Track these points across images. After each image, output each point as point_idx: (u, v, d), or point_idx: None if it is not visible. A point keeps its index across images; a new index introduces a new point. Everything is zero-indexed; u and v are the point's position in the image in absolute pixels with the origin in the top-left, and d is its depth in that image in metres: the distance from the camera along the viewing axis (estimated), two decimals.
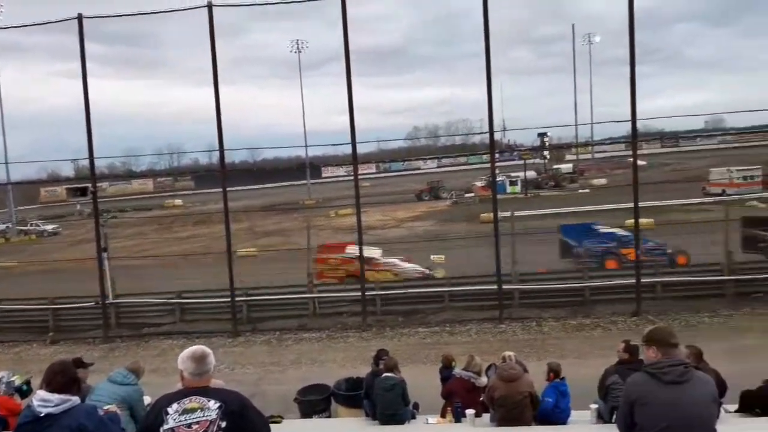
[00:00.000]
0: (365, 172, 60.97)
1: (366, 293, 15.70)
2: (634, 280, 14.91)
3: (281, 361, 13.60)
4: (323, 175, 69.03)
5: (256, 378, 12.46)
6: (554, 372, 6.91)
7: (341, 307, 16.68)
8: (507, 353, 7.39)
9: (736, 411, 6.76)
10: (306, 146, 54.95)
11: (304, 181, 61.26)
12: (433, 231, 29.89)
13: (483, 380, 7.34)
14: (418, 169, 67.10)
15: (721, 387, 6.72)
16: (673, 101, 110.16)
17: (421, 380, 8.91)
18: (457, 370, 7.74)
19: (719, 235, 15.99)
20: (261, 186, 61.70)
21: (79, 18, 15.33)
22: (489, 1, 14.50)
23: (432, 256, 17.32)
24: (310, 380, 9.44)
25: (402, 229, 31.98)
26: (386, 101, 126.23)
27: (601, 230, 19.55)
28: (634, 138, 15.57)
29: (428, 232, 29.24)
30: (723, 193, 34.41)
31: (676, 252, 17.50)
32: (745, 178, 37.20)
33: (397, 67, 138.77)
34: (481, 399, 7.04)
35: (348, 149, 15.84)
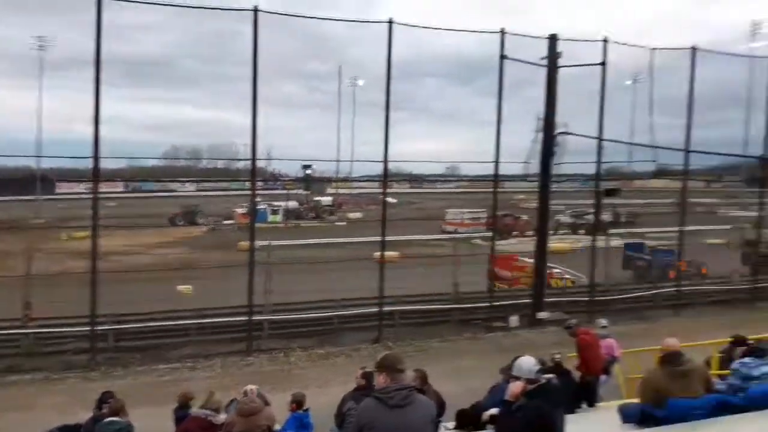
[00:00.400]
0: (110, 190, 54.88)
1: (96, 328, 13.84)
2: (377, 309, 15.80)
3: None
4: (57, 190, 60.35)
5: None
6: (297, 403, 6.78)
7: (65, 343, 14.47)
8: (249, 387, 7.07)
9: (453, 428, 7.40)
10: (38, 156, 47.21)
11: (34, 197, 52.85)
12: (185, 259, 28.12)
13: (221, 417, 6.86)
14: (174, 191, 63.02)
15: (441, 407, 7.32)
16: (422, 146, 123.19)
17: (155, 423, 8.13)
18: (194, 409, 7.14)
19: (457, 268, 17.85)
20: None
21: None
22: (260, 29, 14.38)
23: (178, 287, 16.11)
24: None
25: (150, 256, 29.43)
26: (142, 115, 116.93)
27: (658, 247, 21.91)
28: (385, 177, 16.77)
29: (179, 259, 27.39)
30: (456, 232, 39.24)
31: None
32: (473, 219, 43.01)
33: (158, 81, 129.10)
34: None
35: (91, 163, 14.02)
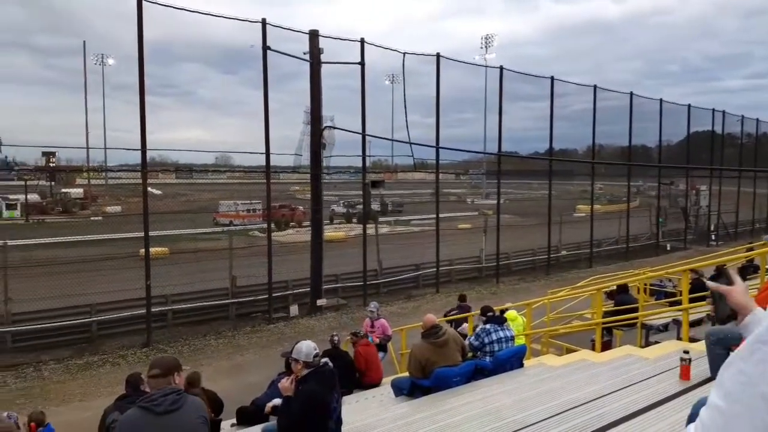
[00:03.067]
0: None
1: None
2: (144, 311, 14.62)
3: None
4: None
5: None
6: (35, 422, 5.99)
7: None
8: (7, 412, 6.06)
9: (233, 425, 7.23)
10: None
11: None
12: None
13: None
14: None
15: (218, 406, 7.11)
16: (189, 135, 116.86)
17: None
18: None
19: (233, 261, 17.33)
20: None
21: None
22: None
23: None
24: None
25: None
26: None
27: None
28: (144, 167, 15.46)
29: None
30: (231, 224, 38.26)
31: None
32: (248, 210, 42.36)
33: None
34: None
35: None
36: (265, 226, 21.97)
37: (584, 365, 7.18)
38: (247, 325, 16.35)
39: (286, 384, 4.59)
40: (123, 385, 6.47)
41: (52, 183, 50.04)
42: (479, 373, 6.74)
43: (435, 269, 21.12)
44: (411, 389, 6.64)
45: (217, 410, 7.02)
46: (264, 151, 16.99)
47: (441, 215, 22.38)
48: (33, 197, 45.32)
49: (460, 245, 24.76)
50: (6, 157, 51.57)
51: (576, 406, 5.15)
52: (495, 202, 26.34)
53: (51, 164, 45.14)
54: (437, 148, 20.98)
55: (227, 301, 16.99)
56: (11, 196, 43.12)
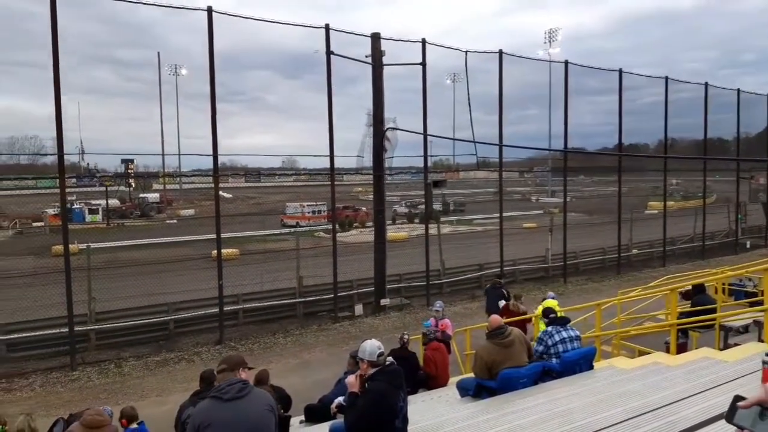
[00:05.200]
0: None
1: None
2: (217, 310, 15.21)
3: None
4: None
5: None
6: (126, 418, 6.32)
7: None
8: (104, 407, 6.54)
9: (301, 422, 7.43)
10: None
11: None
12: None
13: None
14: None
15: (286, 401, 7.32)
16: (257, 140, 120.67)
17: None
18: None
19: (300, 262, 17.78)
20: None
21: None
22: (60, 10, 12.88)
23: None
24: None
25: None
26: None
27: None
28: (216, 172, 16.11)
29: None
30: (297, 225, 39.18)
31: None
32: (314, 212, 43.24)
33: None
34: None
35: None
36: (329, 226, 22.39)
37: (658, 368, 6.92)
38: (313, 324, 16.72)
39: (352, 380, 4.68)
40: (197, 381, 6.80)
41: (131, 188, 52.88)
42: (547, 374, 6.63)
43: (499, 269, 20.84)
44: (477, 390, 6.61)
45: (285, 406, 7.23)
46: (328, 154, 17.32)
47: (505, 214, 22.07)
48: (113, 202, 48.03)
49: (525, 245, 24.33)
50: (88, 164, 55.01)
51: (648, 411, 4.99)
52: (561, 200, 25.70)
53: (130, 171, 47.64)
54: (500, 145, 20.71)
55: (295, 300, 17.43)
56: (93, 202, 45.86)
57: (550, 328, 7.18)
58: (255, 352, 14.08)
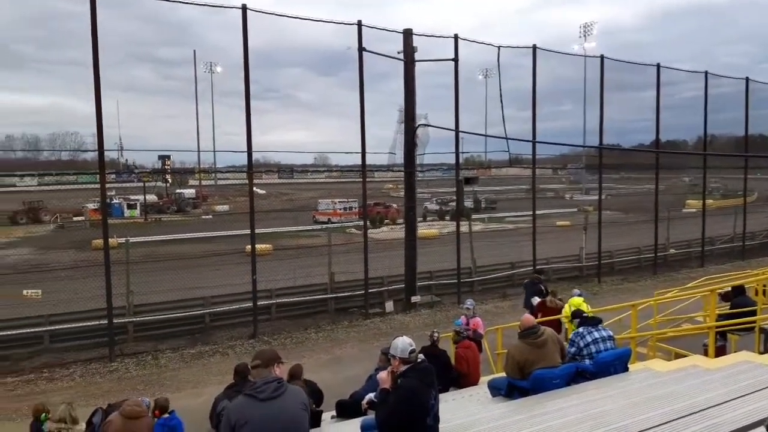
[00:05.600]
0: None
1: None
2: (251, 304, 15.45)
3: None
4: None
5: None
6: (160, 408, 6.49)
7: None
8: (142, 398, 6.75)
9: (332, 417, 7.50)
10: None
11: None
12: (30, 260, 25.43)
13: (79, 429, 6.44)
14: (13, 186, 56.46)
15: (318, 396, 7.40)
16: (290, 137, 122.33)
17: None
18: (49, 423, 6.60)
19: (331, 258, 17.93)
20: None
21: None
22: (99, 9, 13.22)
23: (25, 291, 14.51)
24: None
25: None
26: None
27: None
28: (250, 169, 16.34)
29: (24, 261, 24.72)
30: (328, 222, 39.48)
31: None
32: (345, 209, 43.51)
33: None
34: None
35: None
36: (360, 223, 22.49)
37: (695, 372, 6.76)
38: (345, 320, 16.84)
39: (384, 376, 4.70)
40: (231, 374, 6.93)
41: (168, 184, 54.06)
42: (580, 375, 6.55)
43: (531, 267, 20.61)
44: (508, 390, 6.57)
45: (317, 401, 7.32)
46: (360, 151, 17.38)
47: (538, 212, 21.81)
48: (151, 197, 49.23)
49: (559, 243, 24.01)
50: (127, 160, 56.44)
51: (686, 415, 4.89)
52: (596, 197, 25.25)
53: (167, 167, 48.73)
54: (534, 142, 20.46)
55: (326, 296, 17.59)
56: (132, 197, 47.11)
57: (581, 329, 7.07)
58: (287, 347, 14.26)
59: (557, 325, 11.58)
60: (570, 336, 7.54)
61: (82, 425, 6.51)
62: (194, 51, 73.55)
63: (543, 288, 12.97)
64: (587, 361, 6.79)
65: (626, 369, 6.93)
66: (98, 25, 13.28)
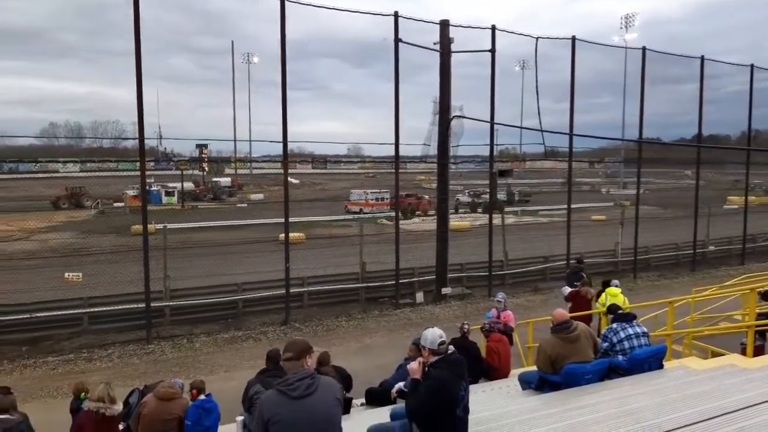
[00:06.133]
0: None
1: None
2: (283, 291, 15.67)
3: None
4: None
5: None
6: (197, 390, 6.65)
7: None
8: (176, 379, 6.95)
9: (362, 405, 7.59)
10: None
11: None
12: (72, 244, 26.27)
13: (116, 409, 6.60)
14: (56, 172, 58.25)
15: (347, 382, 7.48)
16: (324, 127, 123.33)
17: (50, 417, 7.75)
18: (87, 402, 6.80)
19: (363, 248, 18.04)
20: None
21: None
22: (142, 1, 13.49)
23: (66, 274, 15.03)
24: None
25: (32, 242, 27.20)
26: (13, 90, 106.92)
27: None
28: (285, 158, 16.52)
29: (66, 245, 25.55)
30: (360, 212, 39.66)
31: None
32: (377, 199, 43.63)
33: (30, 52, 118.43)
34: (121, 429, 6.34)
35: None
36: (392, 214, 22.53)
37: (733, 371, 6.60)
38: (375, 309, 16.95)
39: (415, 366, 4.71)
40: (263, 359, 7.05)
41: (205, 172, 55.07)
42: (613, 371, 6.46)
43: (565, 262, 20.34)
44: (539, 384, 6.53)
45: (347, 387, 7.40)
46: (393, 142, 17.38)
47: (573, 206, 21.47)
48: (188, 185, 50.22)
49: (594, 238, 23.62)
50: (165, 148, 57.68)
51: (722, 414, 4.79)
52: (634, 192, 24.72)
53: (204, 156, 49.62)
54: (570, 135, 20.12)
55: (357, 285, 17.71)
56: (170, 184, 48.16)
57: (615, 325, 6.96)
58: (319, 334, 14.45)
59: (587, 316, 11.64)
60: (603, 330, 7.44)
61: (120, 405, 6.69)
62: (232, 41, 74.68)
63: (585, 276, 12.98)
64: (620, 357, 6.69)
65: (661, 366, 6.81)
66: (140, 15, 13.56)
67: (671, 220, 26.96)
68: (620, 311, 7.57)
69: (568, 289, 12.66)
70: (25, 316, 13.84)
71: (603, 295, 11.59)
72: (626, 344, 6.70)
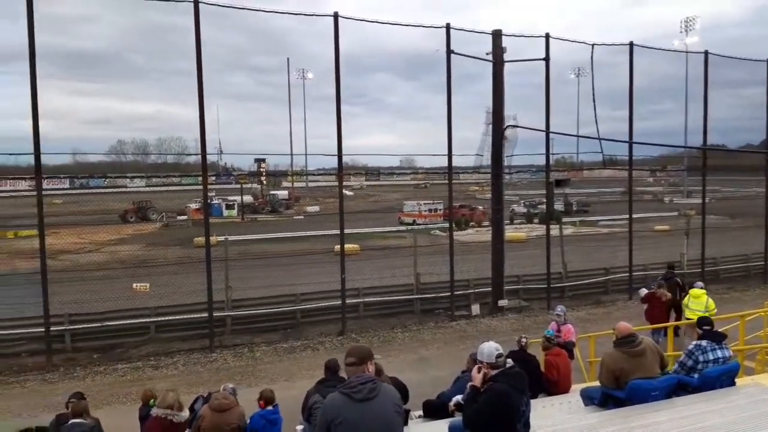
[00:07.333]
0: (55, 187, 52.94)
1: (51, 329, 13.41)
2: (340, 302, 15.86)
3: None
4: None
5: None
6: (264, 400, 6.79)
7: (19, 346, 14.05)
8: (225, 385, 7.14)
9: (419, 417, 7.57)
10: None
11: None
12: (139, 256, 27.47)
13: (183, 415, 6.82)
14: (124, 187, 61.15)
15: (404, 393, 7.47)
16: (377, 140, 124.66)
17: (121, 423, 8.07)
18: (155, 409, 7.08)
19: (414, 259, 18.07)
20: None
21: None
22: (203, 22, 14.08)
23: (134, 285, 15.75)
24: None
25: (102, 254, 28.61)
26: (86, 109, 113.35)
27: None
28: (340, 171, 16.80)
29: (134, 257, 26.74)
30: (413, 223, 39.67)
31: None
32: (430, 210, 43.55)
33: (101, 74, 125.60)
34: None
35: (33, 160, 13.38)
36: (445, 225, 22.43)
37: None
38: (430, 321, 16.90)
39: (476, 372, 4.65)
40: (321, 369, 7.15)
41: (263, 186, 56.57)
42: (682, 388, 6.21)
43: (627, 274, 19.69)
44: (603, 399, 6.36)
45: (403, 398, 7.39)
46: (446, 153, 17.37)
47: (634, 215, 20.80)
48: (247, 198, 51.68)
49: (657, 249, 22.76)
50: (225, 163, 59.67)
51: None
52: (699, 201, 23.70)
53: (261, 170, 50.96)
54: (630, 142, 19.55)
55: (412, 296, 17.72)
56: (230, 198, 49.71)
57: (704, 343, 6.50)
58: (375, 345, 14.51)
59: (665, 315, 12.04)
60: (688, 347, 6.95)
61: (186, 412, 6.91)
62: (288, 59, 76.77)
63: (679, 281, 12.90)
64: (695, 375, 6.37)
65: (733, 383, 6.49)
66: (201, 38, 14.16)
67: (740, 230, 25.66)
68: (710, 327, 6.99)
69: (645, 291, 12.78)
70: (96, 325, 14.57)
71: (686, 296, 11.61)
72: (711, 367, 6.34)
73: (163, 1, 14.51)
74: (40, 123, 13.04)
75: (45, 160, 13.79)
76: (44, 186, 13.88)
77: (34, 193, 13.58)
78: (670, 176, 66.29)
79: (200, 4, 13.93)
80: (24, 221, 30.49)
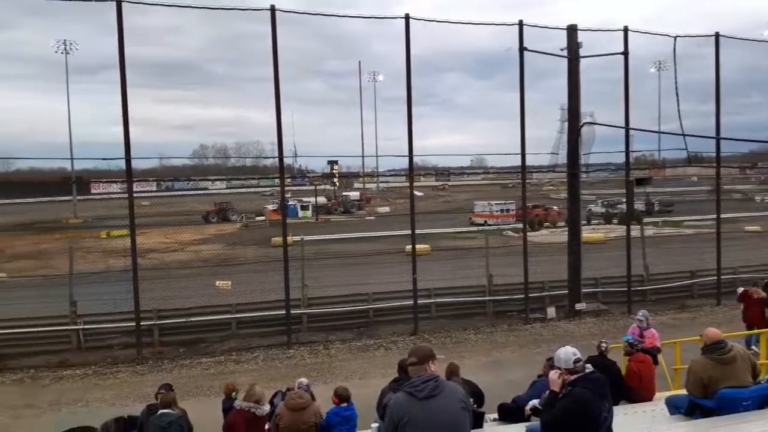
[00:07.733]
0: (143, 189, 56.32)
1: (141, 323, 14.30)
2: (412, 302, 15.94)
3: (36, 403, 11.64)
4: (93, 191, 62.27)
5: (2, 426, 10.47)
6: (338, 397, 6.91)
7: (111, 339, 15.06)
8: (300, 380, 7.33)
9: (494, 420, 7.52)
10: (72, 158, 47.95)
11: (69, 197, 54.72)
12: (220, 255, 28.73)
13: (265, 408, 7.08)
14: (206, 189, 64.13)
15: (478, 396, 7.44)
16: (447, 140, 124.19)
17: (205, 414, 8.44)
18: (238, 402, 7.39)
19: (486, 260, 17.90)
20: (14, 201, 53.58)
21: None
22: (279, 29, 14.56)
23: (217, 282, 16.51)
24: (71, 424, 8.19)
25: (186, 253, 30.13)
26: (171, 116, 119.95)
27: None
28: (411, 171, 16.88)
29: (215, 255, 28.00)
30: (485, 224, 39.17)
31: None
32: (502, 210, 42.85)
33: (184, 82, 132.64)
34: (266, 428, 6.78)
35: (124, 164, 14.32)
36: (517, 225, 22.03)
37: None
38: (503, 323, 16.67)
39: (555, 377, 4.58)
40: (394, 368, 7.24)
41: (336, 187, 57.73)
42: None
43: (716, 277, 18.60)
44: (689, 409, 6.08)
45: (479, 402, 7.36)
46: (519, 152, 17.06)
47: (723, 215, 19.63)
48: (321, 200, 52.91)
49: (748, 250, 21.40)
50: (300, 166, 61.35)
51: None
52: None
53: (334, 171, 52.05)
54: (717, 138, 18.46)
55: (484, 298, 17.54)
56: (305, 199, 51.07)
57: None
58: (447, 346, 14.50)
59: (761, 315, 11.66)
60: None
61: (267, 405, 7.18)
62: (359, 62, 77.95)
63: None
64: None
65: None
66: (278, 45, 14.64)
67: None
68: None
69: (741, 289, 12.64)
70: (182, 320, 15.39)
71: None
72: None
73: (242, 10, 15.16)
74: (130, 129, 13.94)
75: (134, 164, 14.68)
76: (134, 189, 14.81)
77: (125, 195, 14.52)
78: (762, 173, 61.95)
79: (276, 12, 14.41)
80: (115, 222, 32.65)
